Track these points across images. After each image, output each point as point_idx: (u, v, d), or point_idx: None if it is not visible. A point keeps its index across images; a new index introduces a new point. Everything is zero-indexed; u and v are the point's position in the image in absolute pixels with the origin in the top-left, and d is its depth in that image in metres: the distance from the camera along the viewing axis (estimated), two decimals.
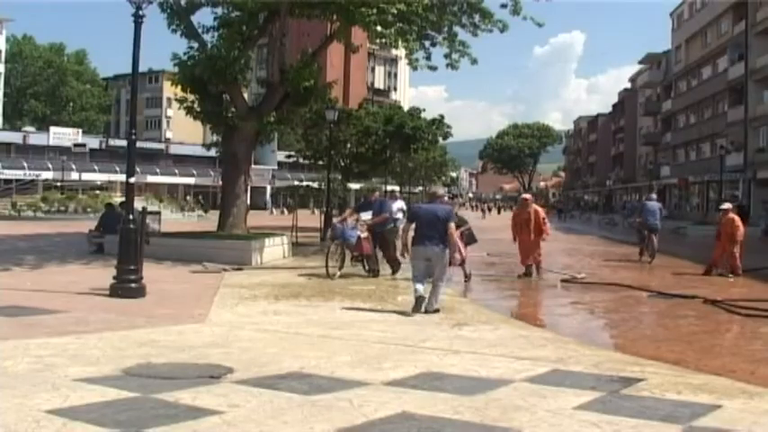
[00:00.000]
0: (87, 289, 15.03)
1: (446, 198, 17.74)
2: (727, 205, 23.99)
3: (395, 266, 20.27)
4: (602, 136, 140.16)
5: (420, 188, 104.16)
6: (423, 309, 13.42)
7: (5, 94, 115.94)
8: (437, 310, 13.59)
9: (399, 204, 27.76)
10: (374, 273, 19.87)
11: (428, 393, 7.52)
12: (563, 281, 20.82)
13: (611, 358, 10.08)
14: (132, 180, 15.60)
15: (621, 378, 8.49)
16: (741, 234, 22.60)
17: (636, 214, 32.62)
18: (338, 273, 19.13)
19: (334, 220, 20.63)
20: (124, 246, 14.64)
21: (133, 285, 14.36)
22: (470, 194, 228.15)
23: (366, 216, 20.08)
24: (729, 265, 22.41)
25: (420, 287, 13.62)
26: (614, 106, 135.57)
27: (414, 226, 14.11)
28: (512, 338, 11.25)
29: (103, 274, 16.39)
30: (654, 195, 31.17)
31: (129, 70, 16.05)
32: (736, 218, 23.15)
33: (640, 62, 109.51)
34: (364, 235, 19.51)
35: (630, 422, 6.60)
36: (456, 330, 11.78)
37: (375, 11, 24.14)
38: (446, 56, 26.89)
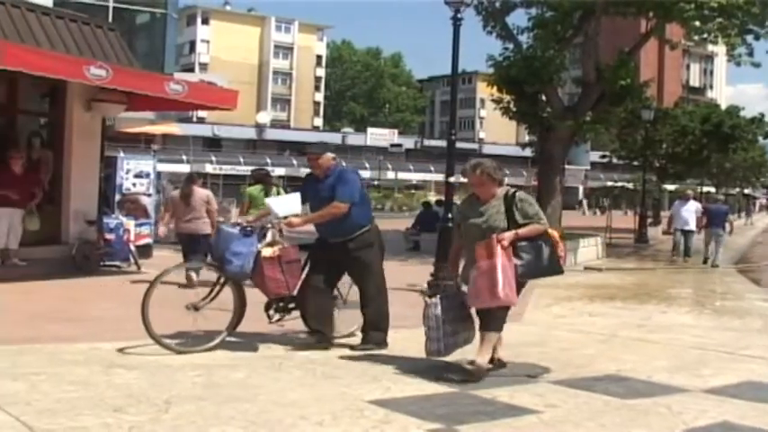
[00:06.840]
0: (404, 285, 15.41)
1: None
2: None
3: (375, 326, 9.35)
4: None
5: (737, 189, 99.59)
6: (710, 264, 23.16)
7: (326, 97, 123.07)
8: (717, 266, 22.96)
9: (695, 206, 25.42)
10: (321, 338, 9.11)
11: (750, 404, 7.19)
12: None
13: None
14: (452, 179, 15.94)
15: None
16: None
17: None
18: (224, 333, 8.72)
19: (225, 226, 9.66)
20: (442, 244, 14.94)
21: (451, 283, 14.59)
22: None
23: (292, 208, 9.32)
24: None
25: (709, 251, 23.66)
26: None
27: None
28: None
29: (420, 271, 16.70)
30: None
31: (442, 72, 16.56)
32: None
33: None
34: (270, 252, 8.69)
35: None
36: None
37: (693, 6, 23.40)
38: None
